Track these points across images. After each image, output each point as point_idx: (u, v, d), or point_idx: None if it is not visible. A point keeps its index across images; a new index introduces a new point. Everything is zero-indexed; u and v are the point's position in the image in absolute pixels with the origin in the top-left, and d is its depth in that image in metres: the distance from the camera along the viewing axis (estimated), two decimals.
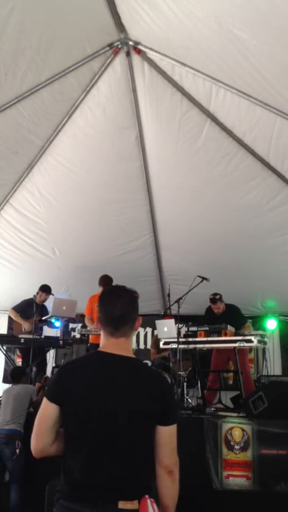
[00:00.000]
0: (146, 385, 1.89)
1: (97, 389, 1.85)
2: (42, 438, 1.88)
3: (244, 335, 5.49)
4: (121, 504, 1.74)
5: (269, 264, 6.86)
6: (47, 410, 1.87)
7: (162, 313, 7.53)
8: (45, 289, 6.84)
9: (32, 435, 1.91)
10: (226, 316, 6.07)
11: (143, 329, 8.44)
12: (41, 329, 6.87)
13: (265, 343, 5.83)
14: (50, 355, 7.40)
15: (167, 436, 1.87)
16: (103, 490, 1.76)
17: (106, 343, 1.98)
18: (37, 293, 6.83)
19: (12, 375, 5.39)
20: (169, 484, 1.88)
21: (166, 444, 1.87)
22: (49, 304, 6.89)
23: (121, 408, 1.82)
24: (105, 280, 6.43)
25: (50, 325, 6.97)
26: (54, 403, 1.87)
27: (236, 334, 5.64)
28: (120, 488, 1.77)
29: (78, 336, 8.05)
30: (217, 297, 6.13)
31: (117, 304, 1.97)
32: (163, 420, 1.86)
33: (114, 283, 6.50)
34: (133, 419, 1.82)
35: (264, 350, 6.62)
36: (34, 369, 6.44)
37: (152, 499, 1.80)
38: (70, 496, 1.79)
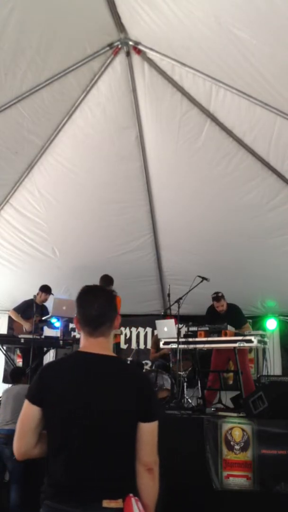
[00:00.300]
0: (127, 382, 1.89)
1: (79, 390, 1.84)
2: (24, 440, 1.86)
3: (244, 335, 5.49)
4: (105, 503, 1.74)
5: (269, 264, 6.86)
6: (29, 412, 1.85)
7: (162, 313, 7.53)
8: (45, 289, 6.85)
9: (14, 437, 1.89)
10: (228, 315, 6.07)
11: (143, 329, 8.45)
12: (42, 329, 6.87)
13: (265, 343, 5.82)
14: (50, 355, 7.40)
15: (147, 433, 1.86)
16: (87, 490, 1.76)
17: (85, 343, 1.97)
18: (37, 293, 6.84)
19: (12, 375, 5.39)
20: (148, 483, 1.87)
21: (146, 441, 1.86)
22: (49, 304, 6.89)
23: (103, 408, 1.82)
24: (105, 280, 6.44)
25: (50, 325, 6.98)
26: (36, 404, 1.84)
27: (235, 334, 5.64)
28: (104, 488, 1.77)
29: (78, 336, 8.04)
30: (220, 294, 6.14)
31: (93, 304, 1.96)
32: (144, 417, 1.86)
33: (114, 283, 6.51)
34: (115, 418, 1.82)
35: (264, 350, 6.62)
36: None
37: (136, 498, 1.79)
38: (55, 496, 1.79)
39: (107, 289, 2.05)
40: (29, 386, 1.94)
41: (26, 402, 1.88)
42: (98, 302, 1.96)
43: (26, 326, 6.71)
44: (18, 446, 1.87)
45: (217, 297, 6.14)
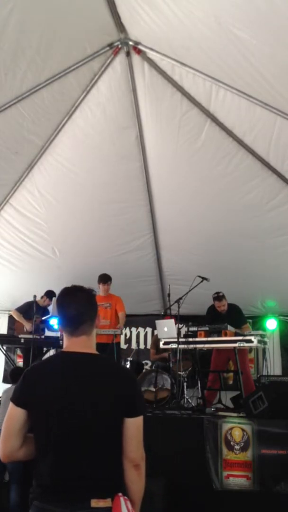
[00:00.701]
0: (111, 380, 1.89)
1: (61, 390, 1.84)
2: (9, 443, 1.85)
3: (244, 335, 5.48)
4: (94, 503, 1.74)
5: (269, 264, 6.86)
6: (14, 414, 1.86)
7: (162, 313, 7.53)
8: (49, 295, 6.87)
9: None
10: (229, 315, 6.06)
11: (143, 329, 8.45)
12: (43, 329, 6.87)
13: (265, 343, 5.82)
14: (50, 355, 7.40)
15: (133, 428, 1.86)
16: (75, 490, 1.76)
17: (68, 343, 1.98)
18: (42, 296, 6.86)
19: (12, 375, 5.39)
20: (135, 479, 1.87)
21: (132, 436, 1.86)
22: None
23: (86, 406, 1.82)
24: (102, 278, 6.43)
25: (48, 326, 6.97)
26: (20, 407, 1.85)
27: (235, 334, 5.63)
28: (91, 487, 1.77)
29: None
30: (221, 294, 6.13)
31: (71, 304, 1.98)
32: (129, 412, 1.86)
33: (114, 283, 6.50)
34: (99, 416, 1.82)
35: (264, 350, 6.62)
36: None
37: (125, 497, 1.80)
38: (43, 497, 1.79)
39: (86, 288, 2.06)
40: (14, 389, 1.93)
41: (11, 405, 1.88)
42: (76, 302, 1.98)
43: (27, 326, 6.71)
44: (3, 448, 1.86)
45: (218, 296, 6.14)
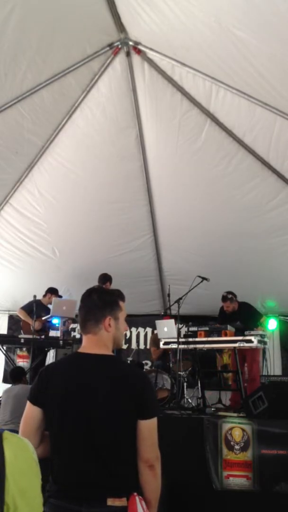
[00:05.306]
0: (122, 381, 1.89)
1: (74, 389, 1.86)
2: None
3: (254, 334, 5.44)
4: (110, 501, 1.75)
5: (269, 264, 6.87)
6: (30, 413, 1.89)
7: (162, 313, 7.53)
8: (53, 291, 6.84)
9: None
10: (239, 315, 6.03)
11: (143, 329, 8.45)
12: (48, 329, 6.85)
13: (265, 343, 5.81)
14: (50, 355, 7.39)
15: (146, 430, 1.87)
16: (90, 488, 1.78)
17: (83, 343, 2.01)
18: (44, 295, 6.80)
19: (12, 375, 5.39)
20: (150, 479, 1.88)
21: (146, 438, 1.86)
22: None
23: (98, 406, 1.83)
24: (102, 278, 6.40)
25: (51, 326, 6.94)
26: (36, 405, 1.88)
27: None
28: (107, 486, 1.78)
29: (78, 336, 8.05)
30: (229, 296, 6.11)
31: (84, 303, 2.03)
32: (142, 414, 1.86)
33: (113, 283, 6.50)
34: (111, 416, 1.83)
35: (264, 350, 6.61)
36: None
37: (140, 497, 1.80)
38: (60, 494, 1.80)
39: (103, 289, 2.08)
40: (31, 387, 1.97)
41: (28, 403, 1.91)
42: (88, 301, 2.02)
43: (35, 325, 6.67)
44: None
45: (225, 297, 6.14)
